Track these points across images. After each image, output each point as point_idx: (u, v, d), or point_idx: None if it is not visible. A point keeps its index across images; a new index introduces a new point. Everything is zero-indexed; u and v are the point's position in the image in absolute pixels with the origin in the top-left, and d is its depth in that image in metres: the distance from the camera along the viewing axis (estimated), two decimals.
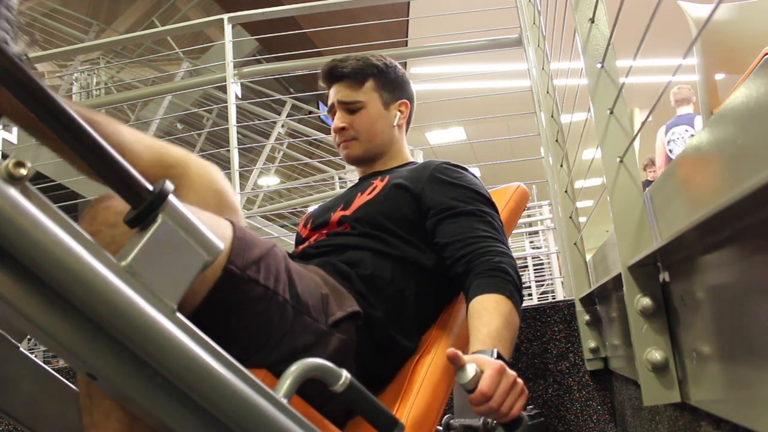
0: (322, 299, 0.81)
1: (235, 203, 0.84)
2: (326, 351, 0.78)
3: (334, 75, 1.14)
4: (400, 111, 1.17)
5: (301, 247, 1.06)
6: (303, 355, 0.73)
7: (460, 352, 0.69)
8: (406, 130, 1.23)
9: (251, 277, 0.70)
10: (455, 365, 0.69)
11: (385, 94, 1.15)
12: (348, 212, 1.03)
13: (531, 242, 5.32)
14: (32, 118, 0.40)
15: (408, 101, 1.19)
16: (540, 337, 1.64)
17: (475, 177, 1.07)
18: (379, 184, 1.06)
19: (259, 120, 4.39)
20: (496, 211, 1.01)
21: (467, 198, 0.99)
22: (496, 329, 0.80)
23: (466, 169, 1.08)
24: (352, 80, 1.12)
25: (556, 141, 1.79)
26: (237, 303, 0.70)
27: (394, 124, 1.16)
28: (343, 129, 1.13)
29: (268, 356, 0.72)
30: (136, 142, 0.77)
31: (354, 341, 0.84)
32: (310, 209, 1.21)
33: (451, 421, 1.23)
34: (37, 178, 0.48)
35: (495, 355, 0.74)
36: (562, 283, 3.50)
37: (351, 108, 1.12)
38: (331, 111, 1.16)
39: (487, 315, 0.82)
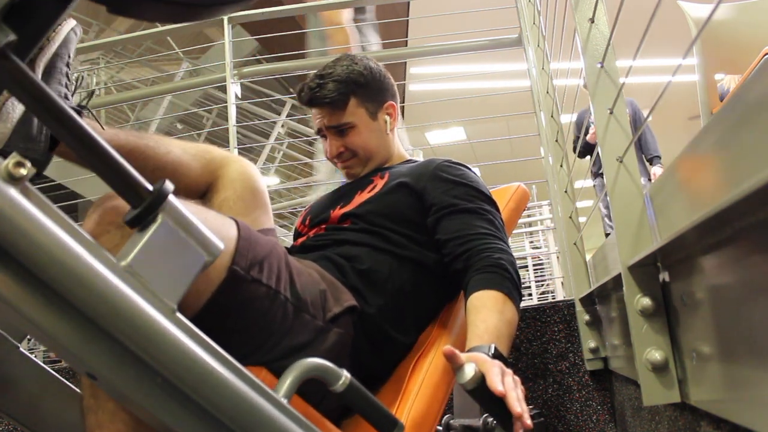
0: (320, 295, 0.82)
1: (268, 202, 0.91)
2: (323, 347, 0.78)
3: (314, 103, 1.09)
4: (388, 115, 1.15)
5: (300, 240, 1.06)
6: (301, 352, 0.74)
7: (457, 351, 0.69)
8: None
9: (255, 278, 0.71)
10: (452, 364, 0.69)
11: (370, 106, 1.11)
12: (349, 209, 1.03)
13: (531, 242, 5.32)
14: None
15: (392, 101, 1.16)
16: (540, 337, 1.64)
17: (476, 175, 1.07)
18: (379, 182, 1.06)
19: (259, 120, 4.39)
20: (497, 209, 1.02)
21: (468, 196, 0.99)
22: (494, 325, 0.80)
23: (467, 167, 1.08)
24: (334, 106, 1.08)
25: (556, 141, 1.79)
26: (240, 303, 0.70)
27: (387, 131, 1.15)
28: (339, 153, 1.11)
29: (267, 354, 0.72)
30: (183, 153, 0.85)
31: (351, 335, 0.84)
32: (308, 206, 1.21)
33: (451, 421, 1.23)
34: (37, 178, 0.48)
35: (492, 351, 0.74)
36: (562, 283, 3.49)
37: (341, 130, 1.10)
38: (320, 134, 1.13)
39: (485, 311, 0.82)
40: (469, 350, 0.76)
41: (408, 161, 1.18)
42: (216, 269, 0.66)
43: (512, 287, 0.87)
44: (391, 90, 1.17)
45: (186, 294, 0.46)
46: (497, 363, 0.70)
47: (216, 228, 0.49)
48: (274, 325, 0.74)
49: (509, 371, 0.71)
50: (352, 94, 1.09)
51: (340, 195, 1.12)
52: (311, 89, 1.08)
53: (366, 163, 1.13)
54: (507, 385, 0.67)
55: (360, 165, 1.13)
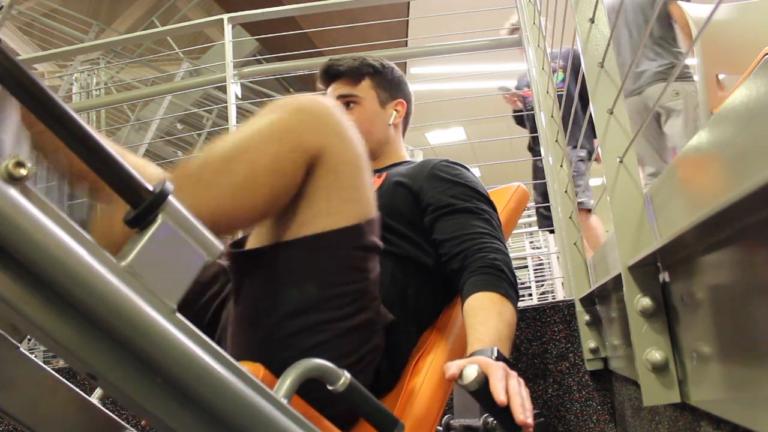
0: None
1: None
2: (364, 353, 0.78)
3: (331, 73, 1.17)
4: (396, 110, 1.19)
5: None
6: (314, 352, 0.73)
7: (455, 368, 0.68)
8: (404, 132, 1.23)
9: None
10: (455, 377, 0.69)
11: (381, 92, 1.17)
12: None
13: (531, 242, 5.32)
14: None
15: (405, 102, 1.21)
16: (540, 337, 1.64)
17: (474, 175, 1.07)
18: (376, 182, 1.06)
19: None
20: (494, 209, 1.01)
21: (466, 195, 0.99)
22: (494, 327, 0.79)
23: (465, 167, 1.08)
24: (349, 77, 1.16)
25: (556, 141, 1.79)
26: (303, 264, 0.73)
27: (390, 123, 1.18)
28: None
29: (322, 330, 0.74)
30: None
31: (381, 348, 0.84)
32: None
33: (451, 422, 1.23)
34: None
35: (495, 354, 0.73)
36: (562, 283, 3.49)
37: (348, 101, 1.15)
38: None
39: (484, 313, 0.82)
40: (471, 354, 0.75)
41: (406, 162, 1.18)
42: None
43: (509, 287, 0.86)
44: (404, 90, 1.22)
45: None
46: (501, 365, 0.69)
47: None
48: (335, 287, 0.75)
49: (513, 373, 0.70)
50: (368, 75, 1.17)
51: None
52: (331, 60, 1.17)
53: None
54: (512, 389, 0.66)
55: None
